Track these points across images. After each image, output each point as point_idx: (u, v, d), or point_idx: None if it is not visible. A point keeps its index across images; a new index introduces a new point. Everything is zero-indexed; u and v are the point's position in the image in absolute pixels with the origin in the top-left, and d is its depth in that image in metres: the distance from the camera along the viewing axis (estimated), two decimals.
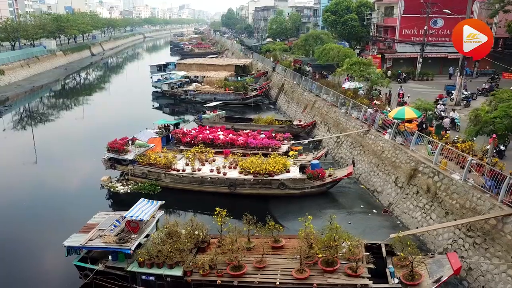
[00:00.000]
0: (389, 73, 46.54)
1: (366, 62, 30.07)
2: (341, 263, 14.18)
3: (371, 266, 14.18)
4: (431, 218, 18.13)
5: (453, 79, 43.25)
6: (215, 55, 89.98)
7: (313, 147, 30.60)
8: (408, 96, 32.33)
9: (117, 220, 15.89)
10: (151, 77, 58.16)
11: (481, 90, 37.88)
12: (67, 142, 36.60)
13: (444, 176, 18.24)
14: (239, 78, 55.05)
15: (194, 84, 52.85)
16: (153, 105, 53.24)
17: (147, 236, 16.05)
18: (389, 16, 50.24)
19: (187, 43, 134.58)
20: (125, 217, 15.65)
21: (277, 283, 13.76)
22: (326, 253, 14.16)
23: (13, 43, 77.55)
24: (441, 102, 30.57)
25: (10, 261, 17.85)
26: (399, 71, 47.20)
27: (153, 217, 16.47)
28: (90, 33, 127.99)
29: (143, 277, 14.71)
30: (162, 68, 63.43)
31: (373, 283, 13.50)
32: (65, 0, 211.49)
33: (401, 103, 29.91)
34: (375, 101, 28.06)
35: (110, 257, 15.13)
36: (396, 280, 13.63)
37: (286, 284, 13.77)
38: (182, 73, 55.12)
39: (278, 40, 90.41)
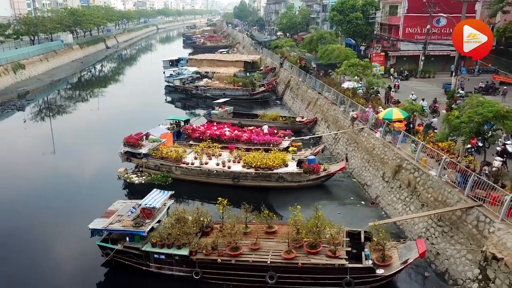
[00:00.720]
0: (392, 70, 48.41)
1: (363, 64, 32.05)
2: (323, 246, 16.56)
3: (348, 249, 16.56)
4: (409, 209, 20.37)
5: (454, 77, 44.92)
6: (227, 49, 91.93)
7: (313, 143, 32.82)
8: (412, 93, 34.14)
9: (133, 207, 18.48)
10: (164, 72, 60.68)
11: (477, 88, 39.51)
12: (85, 134, 39.37)
13: (423, 172, 20.41)
14: (247, 73, 57.23)
15: (204, 80, 55.24)
16: (165, 99, 55.88)
17: (159, 221, 18.58)
18: (393, 15, 51.82)
19: (199, 35, 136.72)
20: (140, 205, 18.21)
21: (268, 262, 16.23)
22: (310, 238, 16.55)
23: (32, 38, 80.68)
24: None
25: (42, 242, 20.65)
26: (401, 68, 49.04)
27: (164, 205, 18.98)
28: (105, 26, 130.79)
29: (155, 255, 17.30)
30: (174, 63, 65.89)
31: (349, 264, 15.87)
32: None
33: (396, 102, 31.85)
34: (369, 102, 30.03)
35: (127, 238, 17.74)
36: (370, 262, 15.98)
37: (275, 263, 16.23)
38: (193, 69, 57.57)
39: (288, 35, 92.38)
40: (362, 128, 27.77)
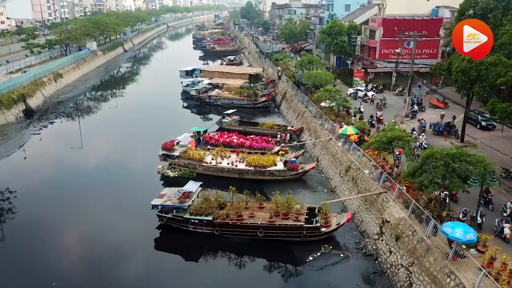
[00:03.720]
0: (369, 86, 59.29)
1: (334, 89, 43.24)
2: (291, 215, 27.99)
3: (306, 217, 27.93)
4: (351, 194, 31.75)
5: (421, 90, 55.80)
6: (234, 56, 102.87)
7: (299, 147, 44.08)
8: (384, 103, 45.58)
9: (178, 191, 29.98)
10: (182, 82, 72.01)
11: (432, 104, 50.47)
12: (125, 138, 50.94)
13: (361, 171, 31.71)
14: (251, 84, 68.42)
15: (216, 90, 66.62)
16: (182, 105, 67.39)
17: (193, 200, 30.07)
18: (372, 39, 62.69)
19: (208, 39, 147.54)
20: (182, 190, 29.71)
21: (259, 223, 27.69)
22: (284, 210, 27.98)
23: (65, 48, 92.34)
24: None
25: (120, 211, 32.28)
26: (377, 83, 60.03)
27: (196, 190, 30.47)
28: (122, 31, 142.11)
29: (191, 220, 28.77)
30: (189, 73, 77.33)
31: (306, 224, 27.28)
32: None
33: (360, 118, 43.07)
34: (339, 118, 41.23)
35: (174, 210, 29.23)
36: (318, 224, 27.38)
37: (263, 224, 27.65)
38: (207, 81, 68.95)
39: (289, 44, 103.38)
40: (330, 138, 39.07)
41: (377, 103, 49.66)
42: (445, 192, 25.56)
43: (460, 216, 23.92)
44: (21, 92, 59.26)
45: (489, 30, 27.18)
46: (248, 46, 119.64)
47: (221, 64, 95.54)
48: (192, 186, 30.18)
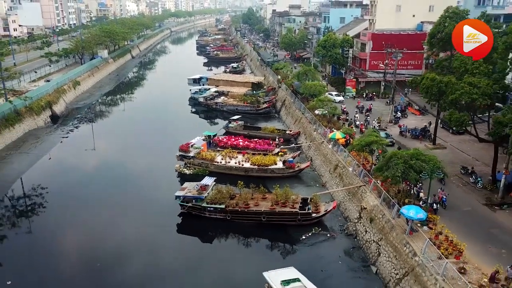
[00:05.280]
0: (363, 94, 65.95)
1: (327, 99, 50.11)
2: (288, 203, 34.78)
3: (300, 205, 34.71)
4: (338, 187, 38.55)
5: (404, 98, 62.49)
6: (237, 63, 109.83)
7: (296, 149, 50.83)
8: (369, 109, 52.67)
9: (196, 185, 36.80)
10: (190, 90, 78.89)
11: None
12: (146, 141, 57.72)
13: (346, 169, 38.49)
14: (254, 92, 75.22)
15: (222, 97, 73.50)
16: (191, 110, 74.25)
17: (209, 192, 36.84)
18: (363, 51, 69.56)
19: (212, 45, 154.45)
20: (200, 184, 36.55)
21: (262, 210, 34.49)
22: (282, 200, 34.78)
23: (80, 57, 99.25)
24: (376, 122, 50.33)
25: (146, 204, 39.07)
26: (366, 91, 66.85)
27: (211, 184, 37.27)
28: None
29: (208, 208, 35.55)
30: (197, 80, 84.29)
31: (300, 211, 34.08)
32: None
33: (349, 123, 49.91)
34: (330, 124, 48.08)
35: (194, 200, 36.02)
36: (310, 211, 34.18)
37: (266, 211, 34.42)
38: (214, 89, 75.91)
39: (288, 52, 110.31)
40: (322, 141, 45.89)
41: (362, 110, 56.58)
42: (411, 184, 32.35)
43: (421, 203, 30.72)
44: (47, 100, 66.13)
45: (489, 30, 27.28)
46: (250, 53, 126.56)
47: (225, 71, 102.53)
48: (208, 180, 37.04)
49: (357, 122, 51.04)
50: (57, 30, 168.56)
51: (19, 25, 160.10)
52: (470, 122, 34.29)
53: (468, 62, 32.64)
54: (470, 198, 33.22)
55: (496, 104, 34.61)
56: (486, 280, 22.72)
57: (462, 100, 31.22)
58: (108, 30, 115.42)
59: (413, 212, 26.52)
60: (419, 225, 27.85)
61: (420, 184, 31.82)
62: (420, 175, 27.92)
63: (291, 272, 25.28)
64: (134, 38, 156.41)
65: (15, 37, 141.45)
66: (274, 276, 24.72)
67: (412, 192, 32.26)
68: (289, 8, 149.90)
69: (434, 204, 30.38)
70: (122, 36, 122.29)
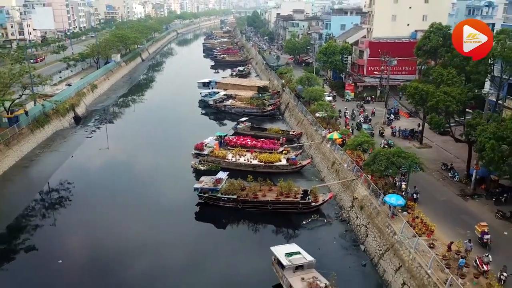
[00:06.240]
0: (364, 98, 71.49)
1: (326, 103, 55.81)
2: (291, 194, 40.53)
3: (301, 195, 40.45)
4: (334, 180, 44.27)
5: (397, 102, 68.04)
6: (243, 67, 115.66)
7: (298, 148, 56.54)
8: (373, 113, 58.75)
9: (212, 178, 42.66)
10: (201, 93, 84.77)
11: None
12: (162, 141, 63.55)
13: (342, 165, 44.21)
14: (260, 95, 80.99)
15: (230, 100, 79.36)
16: (201, 112, 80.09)
17: (223, 185, 42.59)
18: (361, 58, 75.20)
19: (218, 48, 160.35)
20: (215, 177, 42.38)
21: (269, 200, 40.27)
22: (286, 191, 40.54)
23: (96, 61, 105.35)
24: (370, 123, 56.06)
25: (167, 196, 44.93)
26: (365, 94, 72.49)
27: (225, 178, 43.05)
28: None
29: (222, 198, 41.34)
30: (206, 84, 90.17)
31: (301, 200, 39.85)
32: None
33: (345, 124, 55.63)
34: (329, 126, 53.82)
35: (210, 192, 41.83)
36: (310, 201, 39.95)
37: (272, 200, 40.18)
38: (223, 92, 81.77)
39: (292, 56, 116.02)
40: (322, 141, 51.62)
41: (367, 119, 62.25)
42: (396, 178, 38.01)
43: (403, 193, 36.38)
44: (71, 102, 72.18)
45: (489, 30, 27.41)
46: (255, 57, 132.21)
47: (231, 74, 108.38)
48: (222, 175, 42.95)
49: (346, 115, 57.36)
50: (69, 33, 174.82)
51: (33, 29, 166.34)
52: (447, 124, 39.86)
53: (444, 73, 38.33)
54: (447, 190, 38.82)
55: (467, 110, 40.13)
56: (446, 248, 28.53)
57: (439, 106, 36.84)
58: (121, 35, 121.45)
59: (394, 199, 32.26)
60: (399, 210, 33.57)
61: (402, 177, 37.50)
62: (400, 169, 33.62)
63: (293, 247, 31.07)
64: (143, 42, 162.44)
65: (29, 41, 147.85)
66: (279, 250, 30.49)
67: (396, 184, 37.95)
68: (293, 12, 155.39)
69: (414, 194, 36.07)
70: (133, 41, 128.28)
